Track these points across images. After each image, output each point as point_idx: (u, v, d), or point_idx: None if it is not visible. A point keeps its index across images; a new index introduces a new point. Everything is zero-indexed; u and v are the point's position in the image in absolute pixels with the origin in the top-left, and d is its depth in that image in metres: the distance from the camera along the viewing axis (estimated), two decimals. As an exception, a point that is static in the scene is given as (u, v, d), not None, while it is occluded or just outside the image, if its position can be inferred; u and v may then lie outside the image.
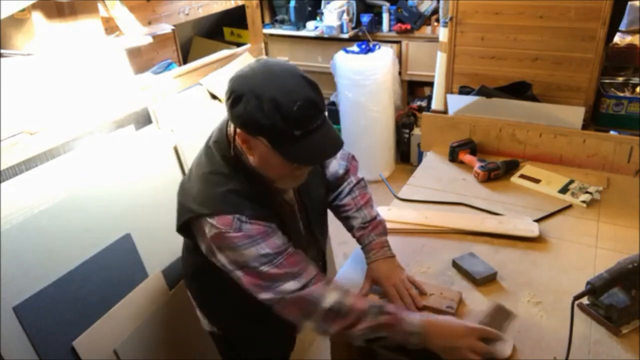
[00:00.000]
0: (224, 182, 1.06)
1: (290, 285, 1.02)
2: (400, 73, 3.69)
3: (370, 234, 1.28)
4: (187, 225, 1.10)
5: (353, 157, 1.39)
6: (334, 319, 1.02)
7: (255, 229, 1.02)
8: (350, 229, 1.33)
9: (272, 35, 4.00)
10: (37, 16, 1.48)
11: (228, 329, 1.33)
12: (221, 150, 1.09)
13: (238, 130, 1.00)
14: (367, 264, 1.26)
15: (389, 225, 1.46)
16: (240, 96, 0.94)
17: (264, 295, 1.04)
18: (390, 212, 1.57)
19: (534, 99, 1.95)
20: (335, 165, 1.33)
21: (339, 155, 1.34)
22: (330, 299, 1.02)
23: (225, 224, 1.01)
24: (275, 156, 0.98)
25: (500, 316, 1.14)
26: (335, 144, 1.00)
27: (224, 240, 1.01)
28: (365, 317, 1.02)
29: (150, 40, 1.88)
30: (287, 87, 0.94)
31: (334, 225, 1.45)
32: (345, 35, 3.66)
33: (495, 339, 1.07)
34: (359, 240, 1.30)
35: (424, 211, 1.57)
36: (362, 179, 1.36)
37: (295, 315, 1.05)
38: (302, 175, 1.09)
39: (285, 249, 1.05)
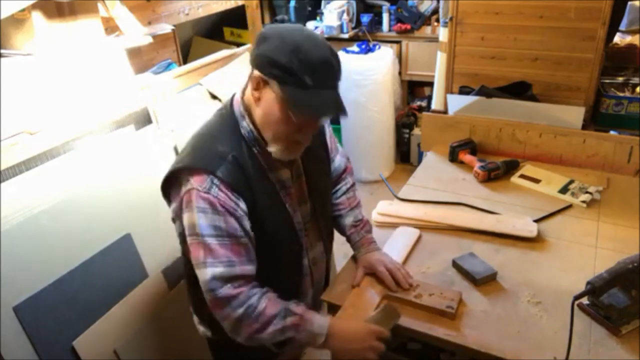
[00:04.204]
0: (211, 140, 1.09)
1: (220, 270, 1.03)
2: (400, 73, 3.69)
3: (361, 232, 1.36)
4: (169, 183, 1.11)
5: (348, 159, 1.45)
6: (244, 323, 1.05)
7: (222, 198, 1.03)
8: (341, 226, 1.38)
9: (272, 35, 3.99)
10: (37, 16, 1.48)
11: (222, 333, 1.32)
12: (221, 116, 1.13)
13: (254, 74, 1.02)
14: (359, 258, 1.33)
15: (389, 220, 1.54)
16: (266, 37, 1.00)
17: (201, 276, 1.05)
18: (390, 207, 1.58)
19: (534, 99, 1.95)
20: (338, 160, 1.39)
21: (340, 151, 1.40)
22: (245, 304, 1.04)
23: (198, 182, 1.03)
24: (279, 106, 1.00)
25: (389, 316, 1.15)
26: (340, 108, 1.01)
27: (191, 197, 1.03)
28: (273, 321, 1.05)
29: (150, 40, 1.88)
30: (316, 42, 0.99)
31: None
32: (345, 35, 3.66)
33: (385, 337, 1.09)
34: (350, 237, 1.37)
35: (423, 207, 1.58)
36: (354, 183, 1.44)
37: (216, 314, 1.07)
38: (299, 146, 1.08)
39: (236, 235, 1.05)
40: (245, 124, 1.09)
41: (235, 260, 1.05)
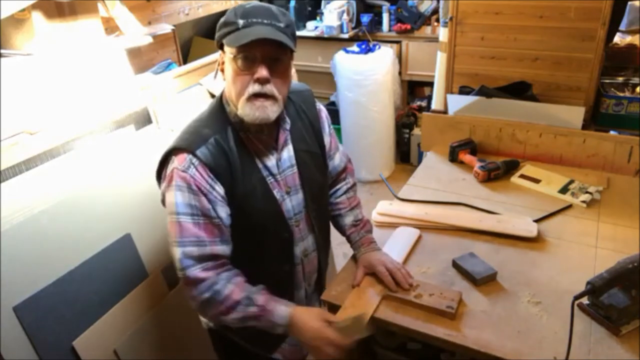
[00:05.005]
0: (198, 125, 1.15)
1: (190, 249, 1.07)
2: (400, 73, 3.69)
3: (361, 231, 1.37)
4: (161, 167, 1.17)
5: (349, 160, 1.46)
6: (210, 305, 1.09)
7: (198, 179, 1.07)
8: (340, 226, 1.40)
9: (272, 35, 3.99)
10: (37, 16, 1.48)
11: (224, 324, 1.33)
12: (211, 105, 1.20)
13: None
14: (359, 257, 1.33)
15: (389, 220, 1.54)
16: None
17: (173, 255, 1.08)
18: (390, 207, 1.58)
19: (534, 99, 1.95)
20: (338, 159, 1.39)
21: (341, 150, 1.41)
22: (212, 289, 1.08)
23: (179, 161, 1.08)
24: (229, 60, 1.06)
25: (355, 328, 1.12)
26: (275, 33, 1.02)
27: (172, 176, 1.08)
28: (237, 307, 1.08)
29: (150, 40, 1.89)
30: (258, 2, 1.09)
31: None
32: (345, 35, 3.66)
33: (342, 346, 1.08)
34: (349, 237, 1.38)
35: (424, 207, 1.58)
36: (355, 183, 1.46)
37: (185, 291, 1.11)
38: (259, 100, 1.06)
39: (210, 215, 1.08)
40: (229, 109, 1.14)
41: (207, 240, 1.08)
